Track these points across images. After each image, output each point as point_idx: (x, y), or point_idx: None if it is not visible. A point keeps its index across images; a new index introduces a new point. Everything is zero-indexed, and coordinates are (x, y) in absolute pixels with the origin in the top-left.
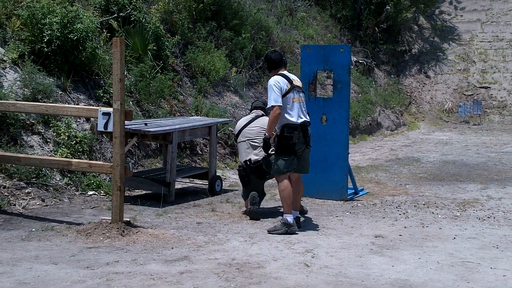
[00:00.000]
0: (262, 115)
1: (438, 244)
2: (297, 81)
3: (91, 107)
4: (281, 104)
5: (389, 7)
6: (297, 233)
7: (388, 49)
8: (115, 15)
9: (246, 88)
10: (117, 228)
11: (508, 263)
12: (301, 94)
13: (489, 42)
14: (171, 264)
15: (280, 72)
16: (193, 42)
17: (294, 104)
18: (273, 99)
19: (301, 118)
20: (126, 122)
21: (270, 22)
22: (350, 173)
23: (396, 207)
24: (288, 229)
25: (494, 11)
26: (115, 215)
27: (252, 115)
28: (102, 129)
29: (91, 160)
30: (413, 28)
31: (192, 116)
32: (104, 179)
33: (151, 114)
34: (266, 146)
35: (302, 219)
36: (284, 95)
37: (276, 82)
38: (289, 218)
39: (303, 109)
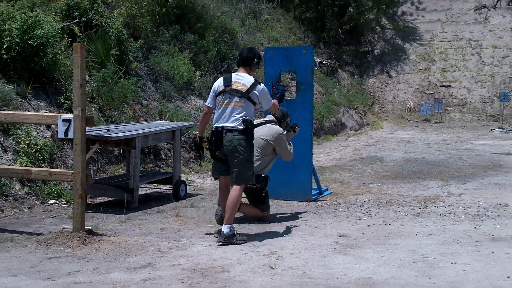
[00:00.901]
0: (271, 122)
1: (400, 241)
2: (238, 84)
3: (51, 114)
4: (210, 105)
5: (351, 9)
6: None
7: (351, 50)
8: (77, 20)
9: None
10: (79, 237)
11: (468, 258)
12: (236, 99)
13: (449, 41)
14: (134, 272)
15: (235, 71)
16: (157, 46)
17: (220, 108)
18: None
19: (218, 123)
20: (87, 128)
21: (234, 25)
22: (314, 174)
23: (360, 206)
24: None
25: (454, 11)
26: (77, 224)
27: (262, 120)
28: (63, 136)
29: (52, 168)
30: (376, 29)
31: (156, 120)
32: (66, 187)
33: (113, 119)
34: (195, 146)
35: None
36: (216, 97)
37: (215, 83)
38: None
39: (229, 114)
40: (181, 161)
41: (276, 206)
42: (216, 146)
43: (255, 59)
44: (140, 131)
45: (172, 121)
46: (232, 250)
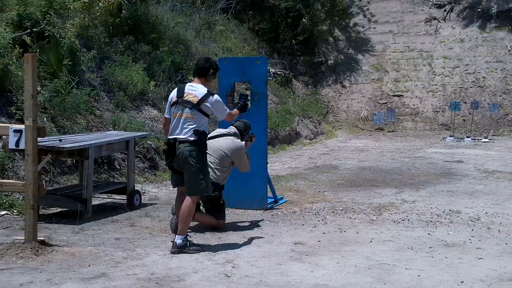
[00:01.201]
0: (233, 135)
1: (356, 248)
2: (190, 95)
3: (2, 124)
4: (167, 116)
5: (305, 20)
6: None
7: (305, 60)
8: (28, 30)
9: (165, 102)
10: (31, 248)
11: (422, 264)
12: (187, 110)
13: (401, 52)
14: (88, 282)
15: (190, 82)
16: (110, 56)
17: (174, 119)
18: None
19: (171, 135)
20: (39, 139)
21: (188, 36)
22: (270, 182)
23: (315, 214)
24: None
25: (405, 22)
26: (29, 235)
27: (226, 130)
28: (14, 147)
29: (3, 179)
30: (329, 40)
31: (110, 131)
32: (17, 198)
33: (66, 130)
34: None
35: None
36: (171, 107)
37: (171, 93)
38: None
39: (181, 126)
40: (136, 171)
41: (231, 214)
42: (171, 157)
43: (212, 70)
44: (93, 141)
45: (126, 131)
46: (188, 259)
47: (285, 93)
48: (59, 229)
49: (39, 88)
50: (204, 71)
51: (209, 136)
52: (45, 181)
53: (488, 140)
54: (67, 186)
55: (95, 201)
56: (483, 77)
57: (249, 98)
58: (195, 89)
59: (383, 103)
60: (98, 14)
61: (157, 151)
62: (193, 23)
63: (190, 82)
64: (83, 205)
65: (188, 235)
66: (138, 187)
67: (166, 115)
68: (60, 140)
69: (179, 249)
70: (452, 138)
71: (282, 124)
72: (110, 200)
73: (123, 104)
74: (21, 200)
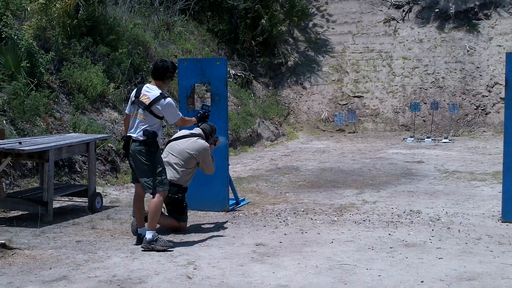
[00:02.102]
0: (197, 136)
1: (317, 249)
2: (144, 96)
3: None
4: (127, 112)
5: (264, 21)
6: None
7: (265, 61)
8: None
9: (125, 104)
10: None
11: (383, 264)
12: (140, 111)
13: (361, 53)
14: (49, 285)
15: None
16: (69, 58)
17: (131, 118)
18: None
19: (128, 132)
20: None
21: (147, 37)
22: (231, 184)
23: (277, 215)
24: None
25: (364, 23)
26: None
27: (188, 132)
28: None
29: None
30: (289, 41)
31: (70, 133)
32: None
33: (26, 132)
34: (123, 147)
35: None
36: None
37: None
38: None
39: (135, 125)
40: (97, 174)
41: (193, 216)
42: (126, 154)
43: (168, 73)
44: (53, 144)
45: (86, 133)
46: (149, 260)
47: (245, 94)
48: (20, 232)
49: None
50: (161, 74)
51: (173, 137)
52: (5, 184)
53: (448, 141)
54: (28, 189)
55: (56, 204)
56: (443, 78)
57: (210, 109)
58: (150, 91)
59: (344, 104)
60: (55, 15)
61: (118, 153)
62: (151, 24)
63: (145, 84)
64: (44, 208)
65: (155, 232)
66: (99, 189)
67: (127, 111)
68: (20, 143)
69: (147, 244)
70: (412, 138)
71: (243, 125)
72: (71, 203)
73: (83, 107)
74: None
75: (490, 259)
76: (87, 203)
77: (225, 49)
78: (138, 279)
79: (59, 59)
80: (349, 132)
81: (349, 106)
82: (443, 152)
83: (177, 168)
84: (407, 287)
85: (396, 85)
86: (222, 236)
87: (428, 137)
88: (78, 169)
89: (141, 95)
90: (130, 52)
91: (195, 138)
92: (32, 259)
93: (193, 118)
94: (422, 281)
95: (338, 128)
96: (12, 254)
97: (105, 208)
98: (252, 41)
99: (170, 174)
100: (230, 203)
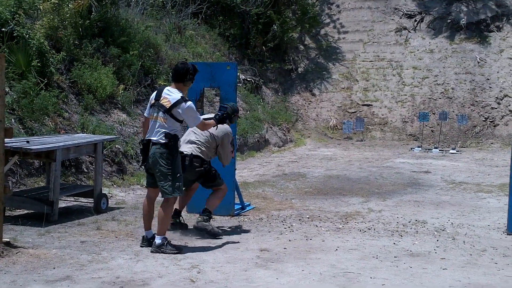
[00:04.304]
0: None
1: (321, 256)
2: (165, 99)
3: None
4: (146, 115)
5: (275, 27)
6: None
7: (275, 67)
8: None
9: (134, 106)
10: None
11: (387, 273)
12: (160, 114)
13: (371, 61)
14: (52, 285)
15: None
16: (79, 58)
17: (151, 121)
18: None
19: (147, 136)
20: (6, 140)
21: (158, 40)
22: (237, 189)
23: (282, 221)
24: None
25: (375, 32)
26: None
27: (211, 115)
28: None
29: None
30: (299, 47)
31: (78, 133)
32: None
33: (34, 131)
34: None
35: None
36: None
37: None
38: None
39: (156, 129)
40: (103, 175)
41: None
42: (144, 158)
43: (189, 75)
44: (61, 144)
45: (94, 134)
46: (153, 263)
47: (254, 100)
48: (24, 231)
49: (7, 89)
50: (181, 76)
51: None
52: (11, 182)
53: (455, 152)
54: (34, 188)
55: (61, 204)
56: (452, 88)
57: (228, 110)
58: (170, 94)
59: (352, 112)
60: (67, 15)
61: (125, 155)
62: (163, 27)
63: (166, 86)
64: (49, 208)
65: (165, 237)
66: (105, 190)
67: (146, 114)
68: (28, 142)
69: (157, 248)
70: (420, 148)
71: (251, 131)
72: (77, 203)
73: (91, 107)
74: None
75: (494, 271)
76: (92, 204)
77: (235, 54)
78: (142, 281)
79: (70, 59)
80: (357, 140)
81: (358, 114)
82: (450, 163)
83: (199, 144)
84: None
85: (405, 95)
86: (227, 240)
87: (435, 148)
88: (85, 170)
89: (161, 98)
90: (141, 54)
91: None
92: (36, 258)
93: (212, 121)
94: None
95: (346, 136)
96: (16, 253)
97: (110, 209)
98: (263, 47)
99: (192, 148)
100: (235, 208)
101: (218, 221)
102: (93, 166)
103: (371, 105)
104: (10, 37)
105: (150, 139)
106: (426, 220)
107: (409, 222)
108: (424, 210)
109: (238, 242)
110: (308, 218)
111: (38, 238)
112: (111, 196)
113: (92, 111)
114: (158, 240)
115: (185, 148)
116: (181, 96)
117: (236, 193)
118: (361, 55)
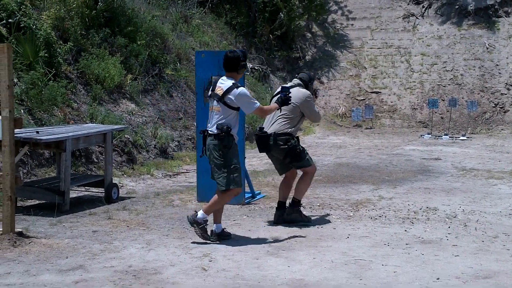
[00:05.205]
0: (297, 86)
1: (332, 244)
2: (219, 89)
3: None
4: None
5: (282, 15)
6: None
7: (282, 56)
8: (4, 21)
9: (142, 95)
10: (9, 239)
11: (398, 260)
12: (215, 103)
13: (379, 48)
14: (65, 274)
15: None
16: (87, 49)
17: (210, 112)
18: None
19: (207, 127)
20: (16, 130)
21: (165, 29)
22: (247, 177)
23: None
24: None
25: (383, 18)
26: (6, 226)
27: (289, 84)
28: None
29: None
30: (307, 35)
31: (87, 123)
32: None
33: (43, 122)
34: None
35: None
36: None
37: None
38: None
39: (211, 119)
40: (113, 165)
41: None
42: (202, 148)
43: (240, 62)
44: (71, 134)
45: (103, 124)
46: (165, 252)
47: (262, 88)
48: (36, 221)
49: (15, 80)
50: (233, 65)
51: (275, 93)
52: (22, 173)
53: (465, 138)
54: (45, 179)
55: (72, 194)
56: (461, 75)
57: (290, 90)
58: (223, 82)
59: (361, 100)
60: (74, 5)
61: (135, 144)
62: (169, 17)
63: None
64: (60, 198)
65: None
66: (115, 180)
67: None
68: (37, 132)
69: (193, 221)
70: (429, 135)
71: (260, 119)
72: (88, 193)
73: (100, 97)
74: None
75: (506, 258)
76: (103, 194)
77: (242, 43)
78: (154, 270)
79: (77, 49)
80: (366, 128)
81: (367, 102)
82: (460, 149)
83: (280, 119)
84: (422, 284)
85: (414, 82)
86: (238, 229)
87: (445, 134)
88: (95, 160)
89: (216, 88)
90: (148, 44)
91: (296, 88)
92: (49, 248)
93: (274, 104)
94: (437, 278)
95: (355, 124)
96: (29, 243)
97: (121, 199)
98: (270, 35)
99: (275, 126)
100: (246, 197)
101: (229, 210)
102: (103, 156)
103: (380, 92)
104: (17, 28)
105: (207, 129)
106: (437, 207)
107: (420, 209)
108: (435, 197)
109: (249, 230)
110: (318, 206)
111: (50, 228)
112: (122, 186)
113: (101, 101)
114: (200, 215)
115: (270, 129)
116: (232, 83)
117: (246, 181)
118: (369, 42)
